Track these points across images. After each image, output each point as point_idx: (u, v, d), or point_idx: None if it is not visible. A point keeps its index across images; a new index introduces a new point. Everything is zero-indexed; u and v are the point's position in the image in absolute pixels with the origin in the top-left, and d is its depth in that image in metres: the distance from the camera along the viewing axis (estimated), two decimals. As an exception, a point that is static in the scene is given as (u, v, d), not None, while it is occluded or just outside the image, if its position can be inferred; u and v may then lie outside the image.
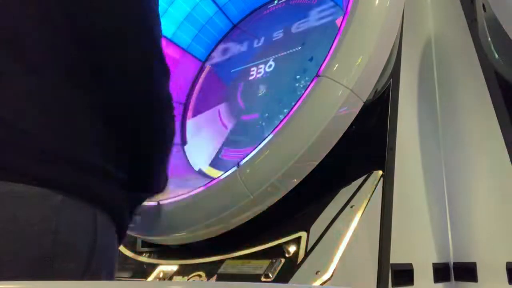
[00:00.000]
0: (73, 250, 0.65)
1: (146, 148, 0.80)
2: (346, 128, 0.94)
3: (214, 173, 1.35)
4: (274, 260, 0.89)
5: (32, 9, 0.69)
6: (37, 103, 0.68)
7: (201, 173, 1.43)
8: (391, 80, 1.05)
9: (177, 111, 1.61)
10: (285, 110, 0.96)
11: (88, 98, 0.71)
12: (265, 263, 0.90)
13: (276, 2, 1.53)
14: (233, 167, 0.97)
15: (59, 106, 0.69)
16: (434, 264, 1.01)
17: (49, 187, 0.64)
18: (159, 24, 0.79)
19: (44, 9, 0.69)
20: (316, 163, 0.94)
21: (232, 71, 1.53)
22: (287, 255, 0.88)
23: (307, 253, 0.86)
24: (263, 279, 0.86)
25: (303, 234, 0.90)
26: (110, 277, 0.72)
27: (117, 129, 0.74)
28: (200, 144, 1.51)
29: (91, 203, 0.68)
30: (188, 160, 1.50)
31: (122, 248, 1.25)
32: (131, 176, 0.77)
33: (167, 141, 0.84)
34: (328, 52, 0.95)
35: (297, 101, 0.94)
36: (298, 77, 1.31)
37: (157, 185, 0.86)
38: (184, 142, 1.56)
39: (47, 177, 0.65)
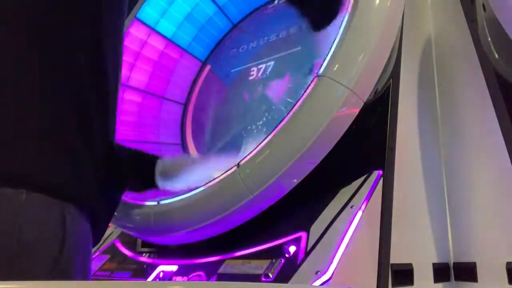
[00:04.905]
0: (39, 248, 0.63)
1: None
2: (346, 128, 0.94)
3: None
4: (274, 260, 0.89)
5: None
6: None
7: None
8: (391, 80, 1.05)
9: (177, 112, 1.61)
10: (286, 111, 0.96)
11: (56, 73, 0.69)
12: (265, 263, 0.90)
13: (276, 2, 1.52)
14: (233, 167, 0.97)
15: (18, 91, 0.67)
16: (434, 264, 1.01)
17: (11, 186, 0.62)
18: None
19: None
20: (316, 163, 0.94)
21: (232, 71, 1.53)
22: (287, 255, 0.88)
23: (307, 253, 0.86)
24: (263, 279, 0.86)
25: (303, 234, 0.90)
26: (82, 272, 0.70)
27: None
28: (199, 143, 1.51)
29: (59, 199, 0.66)
30: (188, 160, 1.50)
31: (122, 248, 1.25)
32: None
33: None
34: (328, 52, 0.95)
35: (297, 101, 0.94)
36: (298, 77, 1.30)
37: None
38: (184, 142, 1.55)
39: (9, 176, 0.63)
